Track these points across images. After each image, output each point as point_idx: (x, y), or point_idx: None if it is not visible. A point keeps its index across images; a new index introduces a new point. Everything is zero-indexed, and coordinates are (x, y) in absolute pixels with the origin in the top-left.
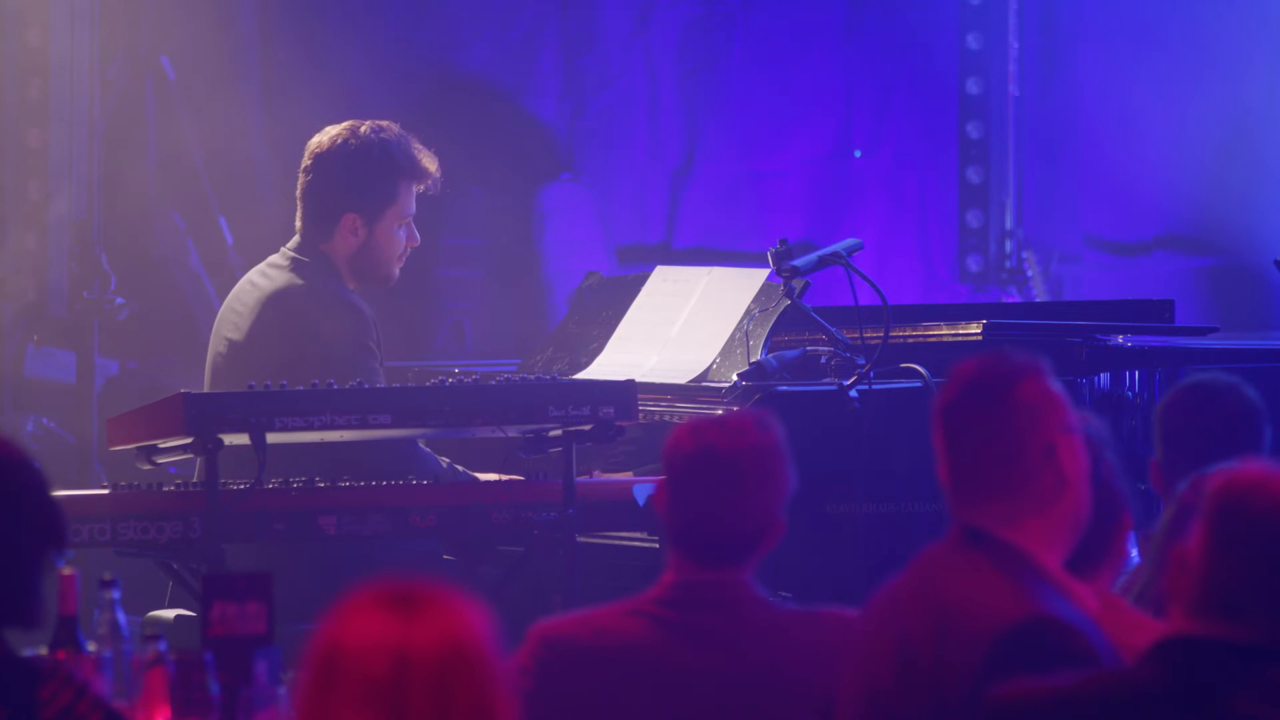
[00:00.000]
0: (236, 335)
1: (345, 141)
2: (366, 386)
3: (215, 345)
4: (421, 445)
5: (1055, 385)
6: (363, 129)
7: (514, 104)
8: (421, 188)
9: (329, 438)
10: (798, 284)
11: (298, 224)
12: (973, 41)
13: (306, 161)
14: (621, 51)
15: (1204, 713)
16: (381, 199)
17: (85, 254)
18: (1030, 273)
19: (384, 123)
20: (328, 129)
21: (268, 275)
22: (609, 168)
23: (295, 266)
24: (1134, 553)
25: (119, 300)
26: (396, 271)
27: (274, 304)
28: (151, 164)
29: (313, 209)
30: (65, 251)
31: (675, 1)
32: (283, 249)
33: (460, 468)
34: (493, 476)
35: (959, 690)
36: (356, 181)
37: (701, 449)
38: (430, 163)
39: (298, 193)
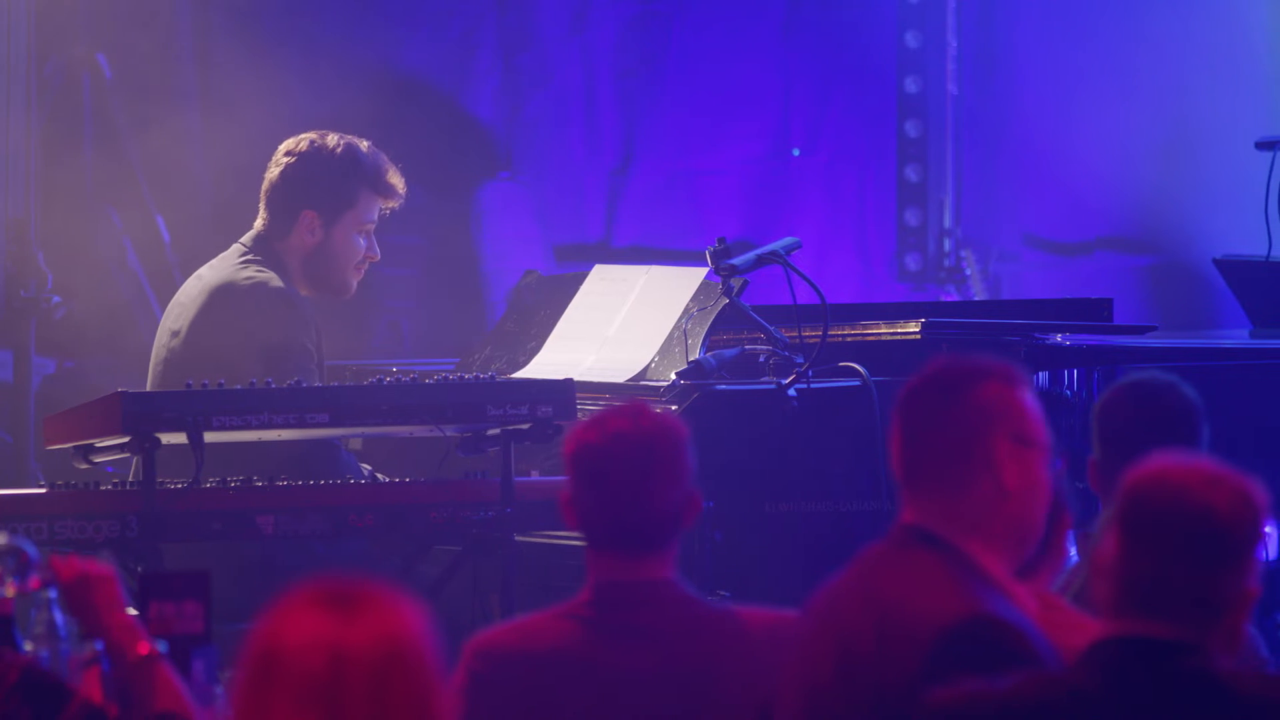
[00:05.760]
0: (178, 325)
1: (314, 142)
2: (304, 385)
3: (159, 338)
4: (344, 450)
5: (1022, 395)
6: (333, 135)
7: (451, 102)
8: (387, 205)
9: (267, 437)
10: (736, 283)
11: (257, 222)
12: (911, 40)
13: (273, 161)
14: (559, 50)
15: (1138, 712)
16: (341, 201)
17: (22, 252)
18: (969, 271)
19: (360, 139)
20: (297, 137)
21: (214, 268)
22: (547, 166)
23: (242, 261)
24: (1073, 551)
25: (56, 299)
26: (353, 282)
27: (215, 295)
28: (88, 162)
29: (273, 204)
30: (1, 250)
31: (612, 0)
32: (236, 243)
33: (381, 475)
34: None
35: (899, 689)
36: (318, 179)
37: (611, 438)
38: (396, 180)
39: (262, 189)
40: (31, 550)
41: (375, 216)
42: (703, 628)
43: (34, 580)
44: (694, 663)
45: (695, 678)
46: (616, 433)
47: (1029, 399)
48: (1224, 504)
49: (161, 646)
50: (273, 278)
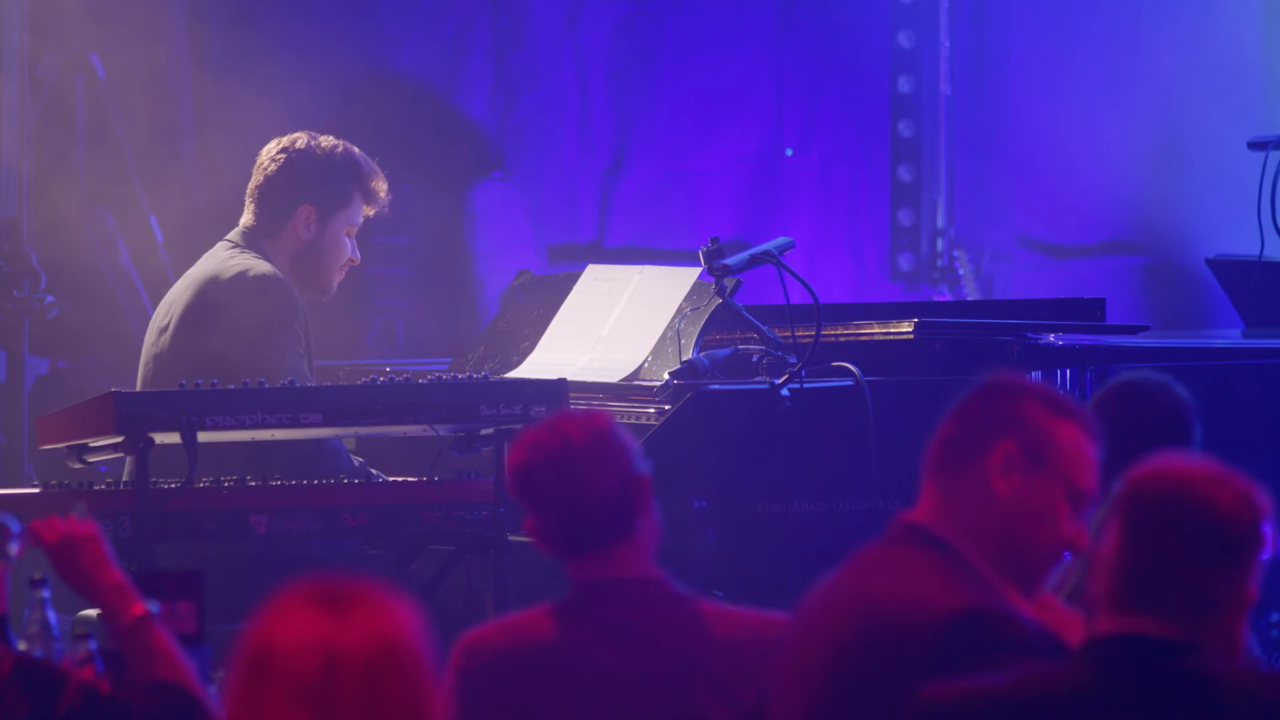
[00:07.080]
0: (166, 321)
1: (311, 141)
2: (298, 385)
3: (149, 336)
4: (332, 438)
5: (1059, 424)
6: (327, 137)
7: (444, 102)
8: (369, 211)
9: (260, 436)
10: (729, 282)
11: (245, 219)
12: (904, 40)
13: (268, 157)
14: (551, 50)
15: (1133, 710)
16: (337, 199)
17: (15, 253)
18: (962, 271)
19: (350, 145)
20: (290, 135)
21: (201, 264)
22: (540, 166)
23: (230, 253)
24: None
25: (49, 299)
26: (335, 283)
27: (202, 287)
28: (81, 162)
29: (268, 201)
30: None
31: (605, 0)
32: (221, 240)
33: (374, 470)
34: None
35: (893, 688)
36: (319, 175)
37: (532, 451)
38: (381, 187)
39: (251, 187)
40: (13, 524)
41: (360, 221)
42: (688, 625)
43: (19, 549)
44: (679, 659)
45: (680, 675)
46: (535, 444)
47: (1072, 435)
48: (1227, 502)
49: (153, 606)
50: (259, 263)
